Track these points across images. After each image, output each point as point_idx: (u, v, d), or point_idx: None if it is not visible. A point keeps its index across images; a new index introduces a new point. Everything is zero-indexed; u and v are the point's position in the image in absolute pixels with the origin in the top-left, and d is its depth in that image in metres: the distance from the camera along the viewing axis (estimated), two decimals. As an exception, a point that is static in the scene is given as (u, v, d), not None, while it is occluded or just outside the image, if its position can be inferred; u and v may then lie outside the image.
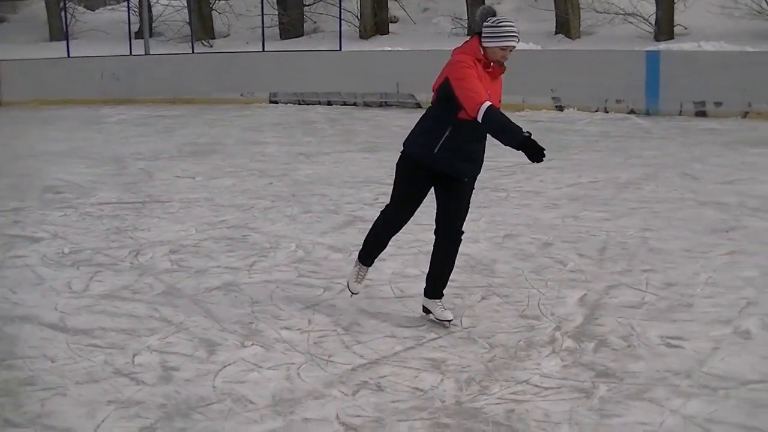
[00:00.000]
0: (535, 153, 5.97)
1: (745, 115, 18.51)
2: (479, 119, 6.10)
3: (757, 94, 18.42)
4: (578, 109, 20.26)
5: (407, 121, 19.32)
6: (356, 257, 7.14)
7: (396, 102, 22.73)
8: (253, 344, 6.37)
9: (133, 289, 7.77)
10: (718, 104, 18.67)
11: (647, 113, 19.44)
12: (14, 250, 9.25)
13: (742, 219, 9.84)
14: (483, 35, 6.40)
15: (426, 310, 6.87)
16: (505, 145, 6.07)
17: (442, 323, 6.69)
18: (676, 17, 27.65)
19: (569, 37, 28.48)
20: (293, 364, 5.99)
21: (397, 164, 6.76)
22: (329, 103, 23.30)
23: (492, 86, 6.46)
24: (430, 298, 6.85)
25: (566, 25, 28.81)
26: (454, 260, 6.93)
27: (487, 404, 5.30)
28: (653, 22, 27.76)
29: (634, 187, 11.68)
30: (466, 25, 30.54)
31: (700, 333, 6.42)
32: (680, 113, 19.10)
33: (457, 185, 6.70)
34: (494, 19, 6.39)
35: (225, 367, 5.97)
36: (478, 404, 5.31)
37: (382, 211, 6.96)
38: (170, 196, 11.79)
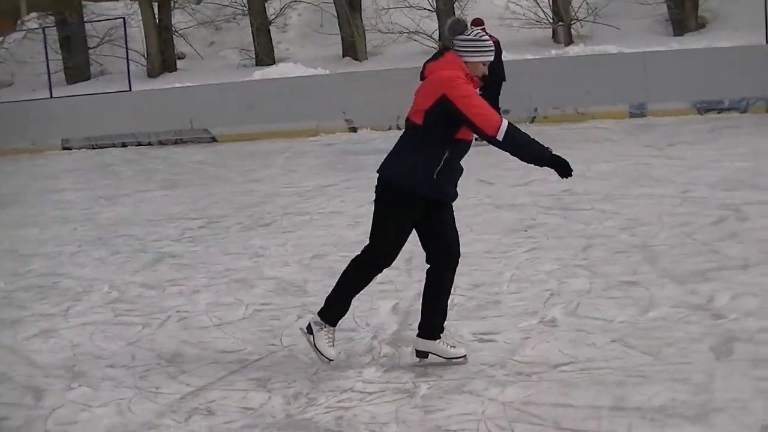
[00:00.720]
0: (564, 168, 5.93)
1: (532, 120, 19.28)
2: (499, 138, 5.75)
3: (543, 100, 19.21)
4: (371, 129, 20.68)
5: (204, 155, 19.57)
6: (314, 322, 6.31)
7: (191, 138, 22.74)
8: (79, 385, 6.42)
9: (-52, 345, 7.70)
10: (505, 112, 19.32)
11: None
12: None
13: (537, 217, 10.33)
14: (463, 49, 5.97)
15: (422, 354, 6.26)
16: (528, 162, 5.96)
17: (459, 360, 6.17)
18: (456, 32, 28.38)
19: (357, 59, 28.99)
20: (123, 399, 6.08)
21: (382, 200, 6.13)
22: (124, 145, 23.13)
23: None
24: (433, 338, 6.24)
25: (353, 47, 29.33)
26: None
27: (316, 414, 5.51)
28: (437, 38, 28.49)
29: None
30: (254, 56, 30.74)
31: (510, 326, 6.78)
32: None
33: (447, 209, 6.27)
34: (475, 31, 5.98)
35: (54, 410, 6.01)
36: (307, 415, 5.51)
37: (358, 261, 6.32)
38: (-28, 251, 11.64)
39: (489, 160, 14.48)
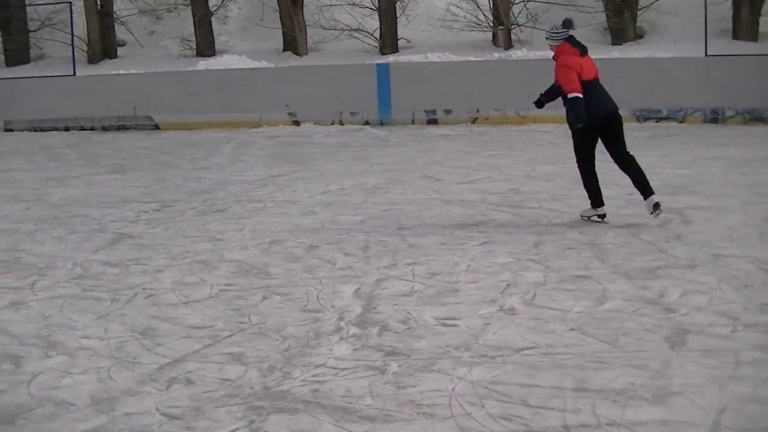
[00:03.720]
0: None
1: (474, 120, 19.67)
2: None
3: (484, 101, 19.60)
4: (314, 123, 20.94)
5: (149, 142, 19.74)
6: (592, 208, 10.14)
7: (134, 125, 22.83)
8: (57, 354, 6.64)
9: None
10: (448, 112, 19.76)
11: (381, 123, 20.33)
12: None
13: (488, 213, 10.70)
14: None
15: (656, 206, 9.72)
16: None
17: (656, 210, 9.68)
18: (399, 32, 28.83)
19: (297, 54, 29.19)
20: (101, 367, 6.31)
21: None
22: (66, 129, 23.12)
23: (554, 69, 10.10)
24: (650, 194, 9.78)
25: (293, 42, 29.53)
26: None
27: (293, 387, 5.79)
28: (378, 36, 28.81)
29: (381, 191, 12.41)
30: (194, 47, 30.83)
31: (470, 312, 7.11)
32: (413, 122, 20.10)
33: None
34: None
35: (35, 376, 6.23)
36: (284, 387, 5.79)
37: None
38: (-73, 225, 11.74)
39: (433, 158, 14.91)
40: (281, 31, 30.24)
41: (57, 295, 8.20)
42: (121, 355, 6.57)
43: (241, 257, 9.22)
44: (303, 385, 5.81)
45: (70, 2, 26.85)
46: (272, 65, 24.86)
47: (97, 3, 32.00)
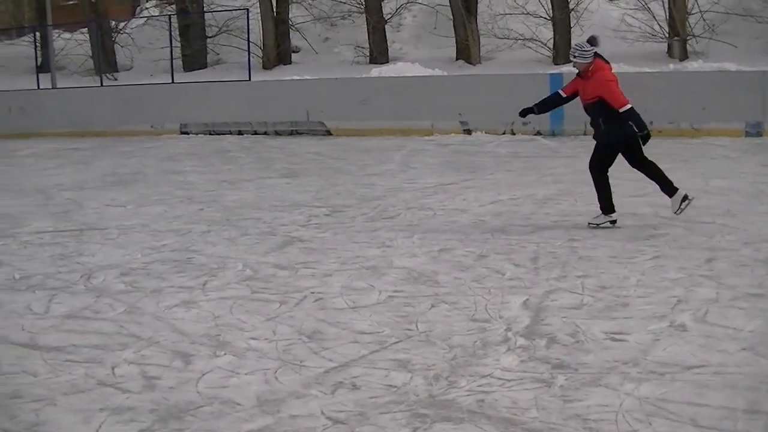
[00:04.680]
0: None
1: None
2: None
3: (658, 114, 19.17)
4: (486, 132, 20.86)
5: (320, 147, 19.94)
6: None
7: (306, 130, 23.11)
8: (225, 353, 6.75)
9: (93, 310, 8.08)
10: (620, 123, 19.38)
11: (552, 134, 20.13)
12: (-36, 279, 9.49)
13: (659, 227, 10.46)
14: None
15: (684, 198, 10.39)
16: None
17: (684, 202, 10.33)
18: (573, 41, 28.49)
19: (470, 63, 29.20)
20: (268, 369, 6.38)
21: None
22: (240, 133, 23.58)
23: (582, 85, 10.59)
24: (674, 192, 10.45)
25: (466, 51, 29.56)
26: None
27: (458, 396, 5.75)
28: (551, 46, 28.61)
29: (552, 202, 12.27)
30: (368, 54, 31.12)
31: (640, 327, 6.95)
32: (584, 133, 19.76)
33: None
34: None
35: (204, 374, 6.34)
36: (450, 396, 5.75)
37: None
38: (106, 223, 12.08)
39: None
40: (454, 39, 30.29)
41: (227, 295, 8.33)
42: (289, 357, 6.62)
43: (410, 264, 9.21)
44: (468, 395, 5.76)
45: (247, 9, 27.39)
46: (445, 73, 24.89)
47: (273, 10, 32.57)
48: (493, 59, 29.72)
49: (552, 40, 29.05)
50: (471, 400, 5.69)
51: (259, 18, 32.31)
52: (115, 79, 32.56)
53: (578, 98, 10.78)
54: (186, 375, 6.36)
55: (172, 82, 26.59)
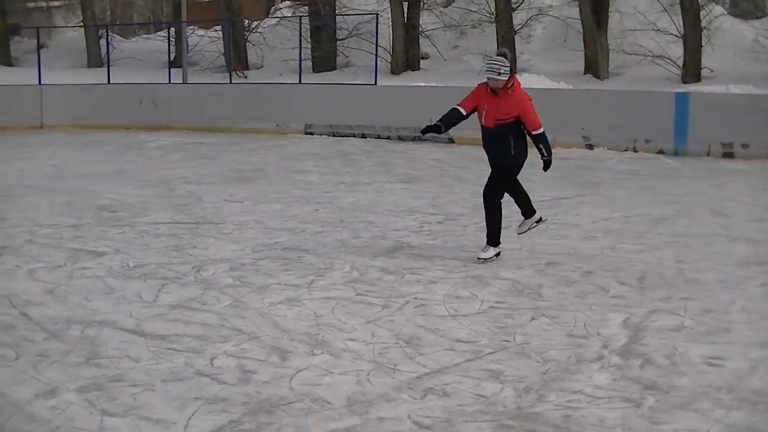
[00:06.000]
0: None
1: (771, 154, 18.95)
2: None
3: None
4: (608, 148, 20.66)
5: (442, 155, 20.01)
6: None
7: (430, 137, 23.11)
8: (322, 352, 6.89)
9: (200, 301, 8.29)
10: (745, 146, 19.09)
11: (675, 153, 19.87)
12: (80, 263, 9.81)
13: (774, 254, 10.32)
14: None
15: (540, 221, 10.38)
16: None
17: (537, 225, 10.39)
18: (703, 60, 28.25)
19: (597, 77, 29.06)
20: (362, 371, 6.49)
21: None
22: (363, 136, 23.73)
23: (492, 103, 9.65)
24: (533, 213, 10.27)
25: (595, 65, 29.42)
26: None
27: (546, 410, 5.78)
28: (681, 65, 28.32)
29: (666, 222, 12.15)
30: (497, 63, 31.11)
31: (739, 354, 6.89)
32: (708, 154, 19.52)
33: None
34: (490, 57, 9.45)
35: (299, 371, 6.48)
36: (537, 410, 5.79)
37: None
38: (222, 218, 12.32)
39: (725, 192, 14.50)
40: (583, 53, 30.15)
41: (331, 296, 8.47)
42: (383, 360, 6.72)
43: (515, 276, 9.25)
44: (556, 410, 5.79)
45: (377, 14, 27.58)
46: (571, 87, 24.79)
47: (404, 16, 32.77)
48: (621, 74, 29.51)
49: (682, 58, 28.71)
50: (558, 414, 5.72)
51: (390, 23, 32.54)
52: (245, 77, 33.10)
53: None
54: (281, 371, 6.50)
55: (300, 82, 26.89)
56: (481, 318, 7.82)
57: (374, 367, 6.58)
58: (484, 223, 10.12)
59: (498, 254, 9.95)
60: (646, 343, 7.13)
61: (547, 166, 10.05)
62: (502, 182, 10.15)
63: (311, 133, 24.49)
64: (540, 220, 10.42)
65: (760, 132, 18.87)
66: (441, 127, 9.68)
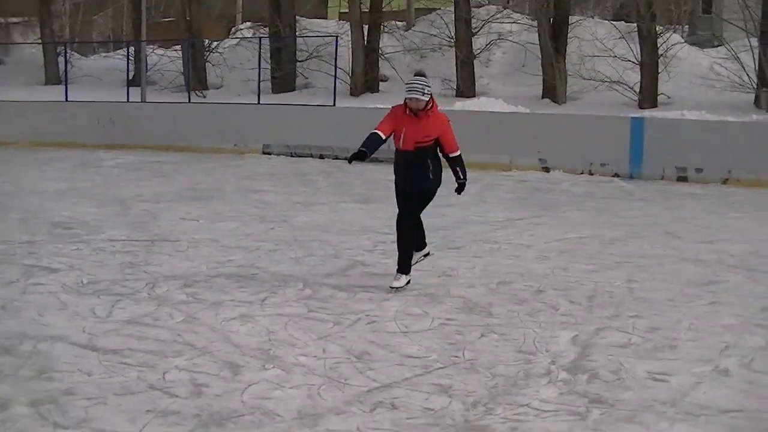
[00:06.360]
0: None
1: (725, 181, 19.16)
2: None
3: (738, 163, 19.08)
4: (564, 171, 20.81)
5: (399, 176, 20.01)
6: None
7: (387, 158, 23.18)
8: (273, 367, 6.97)
9: (154, 317, 8.35)
10: (699, 170, 19.32)
11: (630, 177, 20.05)
12: (34, 279, 9.84)
13: (721, 274, 10.46)
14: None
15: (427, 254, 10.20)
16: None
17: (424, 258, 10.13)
18: (659, 87, 28.58)
19: (555, 102, 29.30)
20: (313, 385, 6.57)
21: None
22: (321, 157, 23.75)
23: (412, 125, 9.36)
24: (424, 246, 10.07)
25: (553, 90, 29.68)
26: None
27: (493, 422, 5.88)
28: (638, 90, 28.62)
29: (619, 243, 12.29)
30: (455, 87, 31.36)
31: (684, 370, 7.03)
32: (662, 178, 19.73)
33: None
34: (409, 78, 9.36)
35: (250, 385, 6.55)
36: (485, 422, 5.89)
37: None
38: (177, 236, 12.35)
39: (677, 215, 14.67)
40: (542, 78, 30.40)
41: (284, 312, 8.55)
42: (334, 375, 6.80)
43: (466, 294, 9.35)
44: (503, 422, 5.89)
45: (337, 36, 27.71)
46: (527, 110, 24.96)
47: (364, 38, 32.91)
48: (578, 99, 29.77)
49: (639, 84, 29.02)
50: (505, 427, 5.82)
51: (350, 45, 32.69)
52: (204, 97, 33.08)
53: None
54: (233, 385, 6.57)
55: (258, 102, 26.93)
56: (431, 334, 7.91)
57: (325, 381, 6.66)
58: (397, 251, 9.83)
59: (408, 282, 9.57)
60: (593, 359, 7.24)
61: (461, 188, 9.82)
62: (422, 207, 9.87)
63: (269, 153, 24.49)
64: (428, 254, 10.18)
65: (714, 157, 19.10)
66: (366, 153, 9.29)
